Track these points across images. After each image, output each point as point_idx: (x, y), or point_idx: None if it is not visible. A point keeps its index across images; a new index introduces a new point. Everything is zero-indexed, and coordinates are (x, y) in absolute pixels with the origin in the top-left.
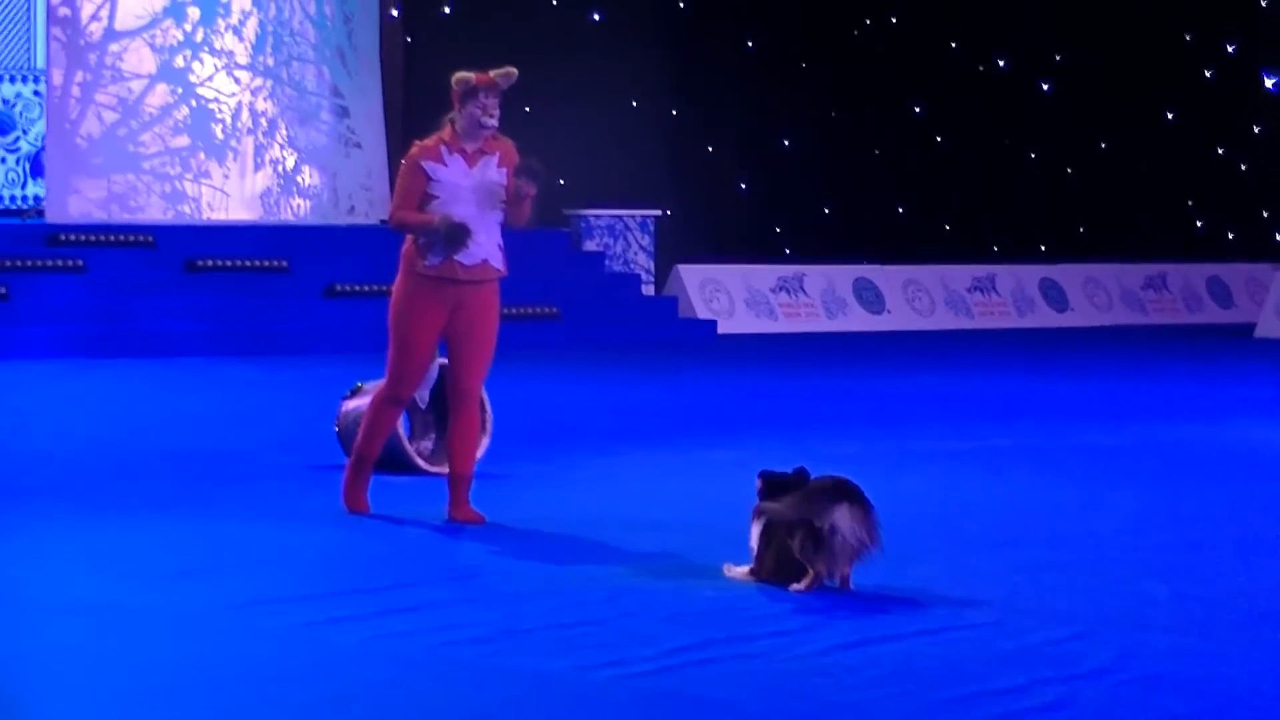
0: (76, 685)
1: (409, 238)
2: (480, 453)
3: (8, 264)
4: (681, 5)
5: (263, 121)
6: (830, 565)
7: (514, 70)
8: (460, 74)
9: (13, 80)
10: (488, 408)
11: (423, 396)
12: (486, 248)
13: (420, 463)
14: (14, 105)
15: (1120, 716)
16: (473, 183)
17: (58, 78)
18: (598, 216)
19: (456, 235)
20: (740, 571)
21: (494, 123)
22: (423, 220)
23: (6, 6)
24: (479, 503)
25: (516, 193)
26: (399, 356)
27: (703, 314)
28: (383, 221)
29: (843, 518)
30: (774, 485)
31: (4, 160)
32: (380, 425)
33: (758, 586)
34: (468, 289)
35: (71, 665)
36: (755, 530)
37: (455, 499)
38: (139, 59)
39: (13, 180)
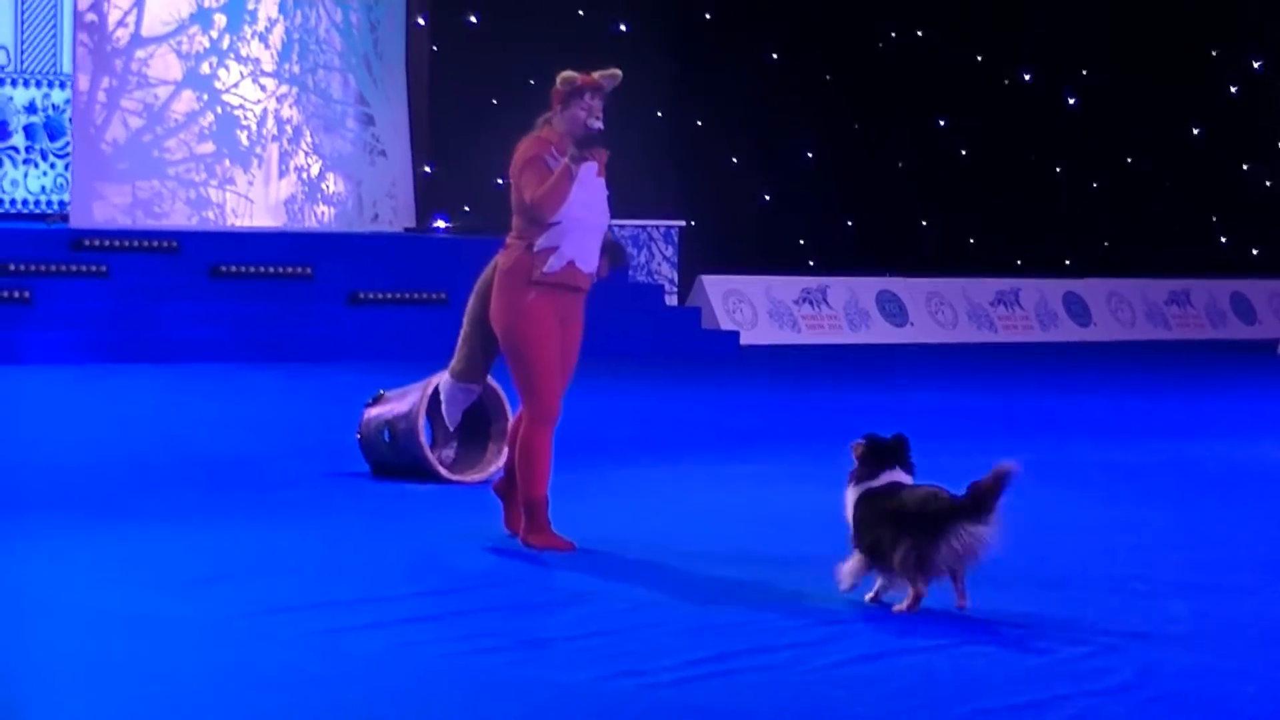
0: (97, 692)
1: (515, 251)
2: (502, 460)
3: (32, 268)
4: (707, 17)
5: (288, 129)
6: (935, 575)
7: (618, 72)
8: (566, 73)
9: (63, 86)
10: (509, 415)
11: (454, 418)
12: (597, 255)
13: (442, 471)
14: (63, 112)
15: None
16: (583, 185)
17: (84, 83)
18: (621, 226)
19: (587, 144)
20: (851, 567)
21: (599, 124)
22: (558, 172)
23: (34, 11)
24: (496, 512)
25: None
26: (534, 386)
27: (725, 325)
28: (427, 229)
29: (954, 536)
30: (875, 449)
31: (54, 166)
32: (541, 462)
33: (766, 603)
34: (575, 300)
35: (93, 672)
36: (851, 497)
37: (516, 513)
38: (165, 65)
39: (60, 185)
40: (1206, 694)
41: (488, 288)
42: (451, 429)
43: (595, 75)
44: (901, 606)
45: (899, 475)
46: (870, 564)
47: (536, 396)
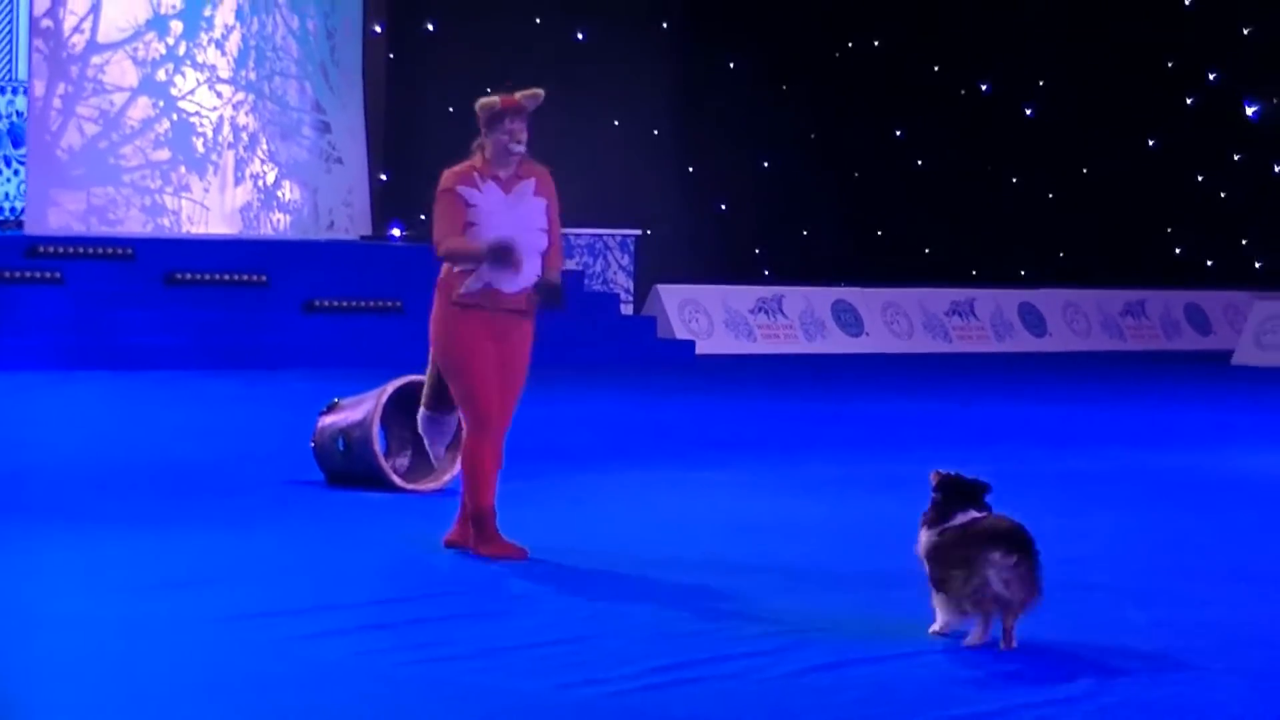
0: (58, 697)
1: (445, 268)
2: (455, 470)
3: None
4: (665, 26)
5: (244, 136)
6: (990, 610)
7: (540, 91)
8: (485, 99)
9: (25, 93)
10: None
11: (437, 453)
12: (529, 276)
13: (396, 479)
14: (27, 118)
15: None
16: (510, 210)
17: (39, 89)
18: (578, 235)
19: (503, 254)
20: (941, 614)
21: (522, 148)
22: (470, 250)
23: None
24: (450, 521)
25: (528, 301)
26: (467, 393)
27: (681, 334)
28: (383, 237)
29: (992, 567)
30: (948, 487)
31: (18, 172)
32: (484, 470)
33: (724, 610)
34: (511, 319)
35: (51, 676)
36: (923, 538)
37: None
38: (121, 72)
39: (24, 192)
40: (1164, 701)
41: None
42: (435, 464)
43: (517, 96)
44: (971, 639)
45: (972, 515)
46: (946, 600)
47: (471, 406)
